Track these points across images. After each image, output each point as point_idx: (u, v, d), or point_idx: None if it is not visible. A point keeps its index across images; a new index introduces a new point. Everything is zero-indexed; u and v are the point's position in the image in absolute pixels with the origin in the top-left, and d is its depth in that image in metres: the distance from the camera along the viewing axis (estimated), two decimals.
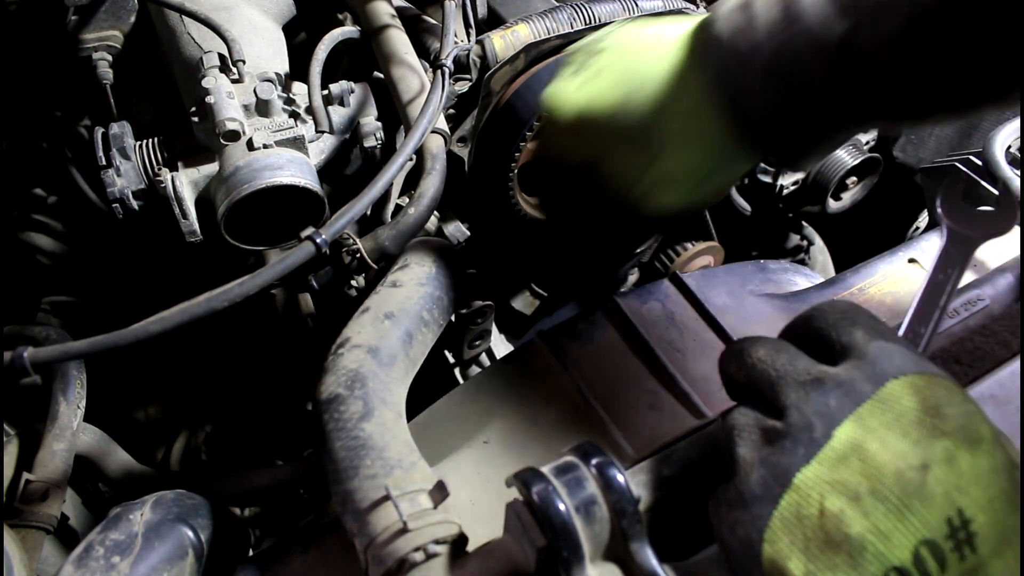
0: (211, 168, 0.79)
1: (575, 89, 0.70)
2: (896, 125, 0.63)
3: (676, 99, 0.64)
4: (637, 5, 0.93)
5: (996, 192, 0.71)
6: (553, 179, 0.87)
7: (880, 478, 0.43)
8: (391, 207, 0.89)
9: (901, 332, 0.63)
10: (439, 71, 0.79)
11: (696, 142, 0.64)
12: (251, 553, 0.76)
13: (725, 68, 0.61)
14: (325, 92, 0.84)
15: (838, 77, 0.57)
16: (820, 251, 1.38)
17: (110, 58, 0.98)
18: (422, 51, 0.93)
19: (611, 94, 0.67)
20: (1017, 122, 0.91)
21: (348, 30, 0.90)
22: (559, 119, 0.71)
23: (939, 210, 0.69)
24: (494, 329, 1.16)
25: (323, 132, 0.83)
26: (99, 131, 0.79)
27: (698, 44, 0.64)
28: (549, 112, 0.72)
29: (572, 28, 0.90)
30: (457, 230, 0.97)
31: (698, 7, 1.03)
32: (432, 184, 0.77)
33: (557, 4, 0.94)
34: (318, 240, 0.66)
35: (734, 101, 0.61)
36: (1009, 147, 0.91)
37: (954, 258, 0.65)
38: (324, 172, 0.86)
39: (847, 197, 1.23)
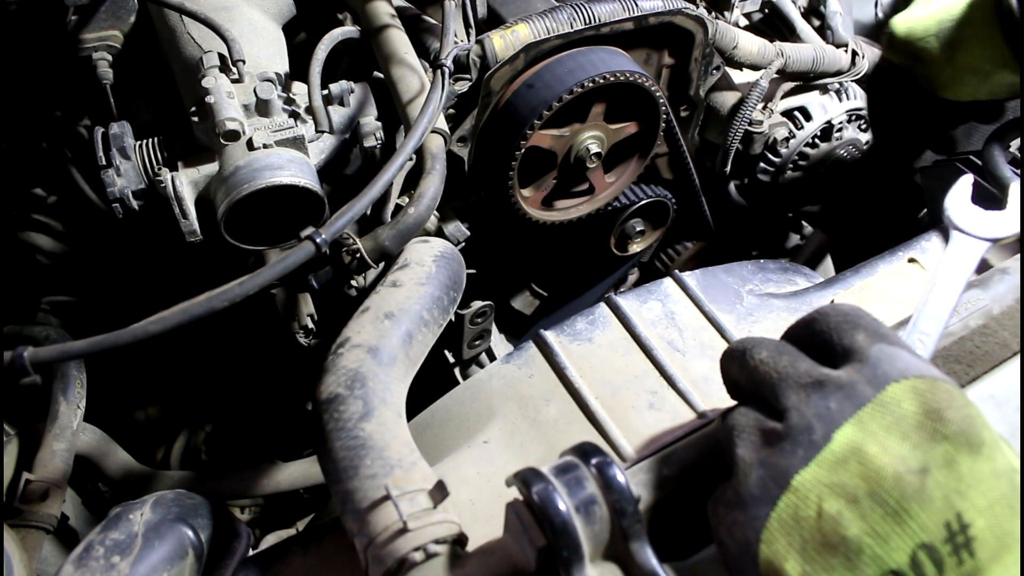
0: (211, 168, 0.79)
1: (907, 15, 0.96)
2: None
3: (970, 16, 0.90)
4: (637, 5, 0.93)
5: (999, 194, 0.71)
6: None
7: (879, 481, 0.43)
8: (391, 207, 0.89)
9: (907, 335, 0.63)
10: (439, 71, 0.79)
11: (980, 45, 0.89)
12: (251, 553, 0.76)
13: None
14: (325, 92, 0.84)
15: None
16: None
17: (110, 58, 0.98)
18: (422, 51, 0.93)
19: (930, 17, 0.93)
20: (1016, 122, 0.91)
21: (348, 30, 0.90)
22: (894, 35, 0.96)
23: (946, 212, 0.69)
24: (494, 329, 1.16)
25: (323, 132, 0.83)
26: (99, 131, 0.79)
27: None
28: (890, 32, 0.97)
29: (572, 28, 0.90)
30: (457, 230, 0.97)
31: (698, 6, 1.04)
32: (432, 184, 0.77)
33: (557, 4, 0.94)
34: (318, 240, 0.66)
35: (1003, 15, 0.83)
36: (1009, 147, 0.91)
37: (960, 261, 0.65)
38: (324, 172, 0.86)
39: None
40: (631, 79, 0.92)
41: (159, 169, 0.78)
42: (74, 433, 0.79)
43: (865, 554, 0.42)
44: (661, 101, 0.98)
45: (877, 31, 1.55)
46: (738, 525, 0.46)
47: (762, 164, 1.22)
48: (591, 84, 0.89)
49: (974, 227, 0.67)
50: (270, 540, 1.10)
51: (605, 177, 1.03)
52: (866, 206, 1.26)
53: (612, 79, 0.90)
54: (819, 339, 0.51)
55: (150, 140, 0.81)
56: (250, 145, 0.77)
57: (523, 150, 0.91)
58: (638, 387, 0.74)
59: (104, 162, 0.77)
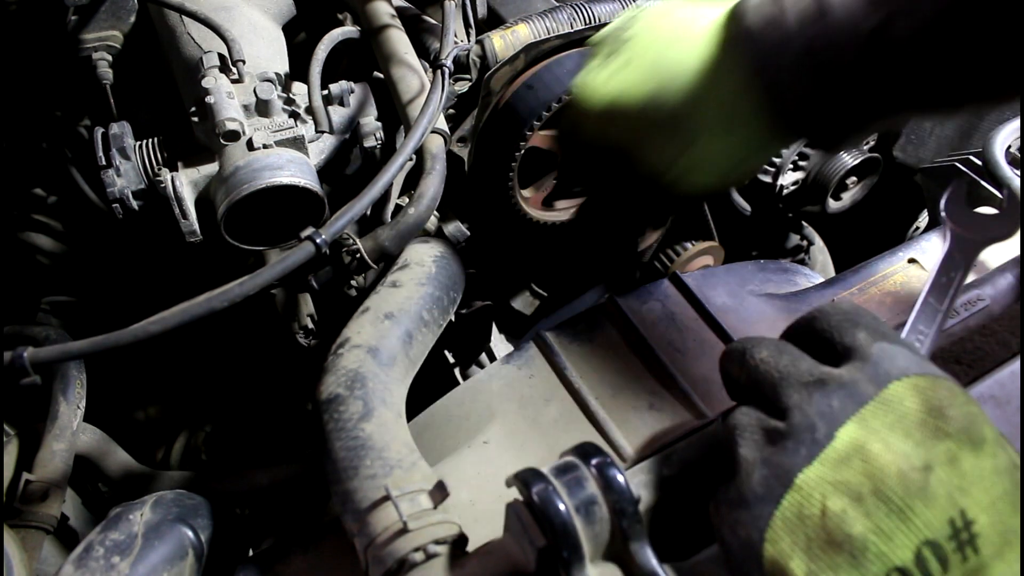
0: (211, 168, 0.79)
1: (605, 79, 0.71)
2: (930, 114, 0.66)
3: (710, 90, 0.66)
4: (637, 5, 0.93)
5: (999, 194, 0.71)
6: (575, 161, 0.89)
7: (882, 479, 0.43)
8: (391, 207, 0.89)
9: (904, 334, 0.63)
10: (439, 71, 0.79)
11: (732, 130, 0.66)
12: (251, 553, 0.76)
13: (760, 58, 0.62)
14: (325, 92, 0.84)
15: (871, 66, 0.59)
16: (820, 251, 1.38)
17: (110, 58, 0.98)
18: (422, 51, 0.93)
19: (642, 85, 0.68)
20: (1017, 122, 0.91)
21: (348, 30, 0.90)
22: (589, 107, 0.72)
23: (943, 213, 0.69)
24: (494, 329, 1.16)
25: (323, 132, 0.83)
26: (99, 131, 0.79)
27: (731, 36, 0.65)
28: (579, 100, 0.74)
29: (572, 28, 0.90)
30: (457, 230, 0.97)
31: None
32: (432, 184, 0.77)
33: (557, 4, 0.94)
34: (318, 240, 0.66)
35: (770, 90, 0.63)
36: (1009, 147, 0.91)
37: (957, 261, 0.65)
38: (324, 172, 0.86)
39: (847, 197, 1.23)
40: None
41: (159, 169, 0.78)
42: (74, 433, 0.79)
43: (870, 552, 0.42)
44: None
45: None
46: (741, 524, 0.46)
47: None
48: None
49: (970, 226, 0.68)
50: (270, 540, 1.10)
51: None
52: (866, 206, 1.26)
53: None
54: (820, 338, 0.51)
55: (150, 140, 0.81)
56: (250, 145, 0.77)
57: (523, 151, 0.91)
58: (638, 387, 0.74)
59: (104, 162, 0.77)
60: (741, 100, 0.64)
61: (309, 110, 0.83)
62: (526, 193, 0.99)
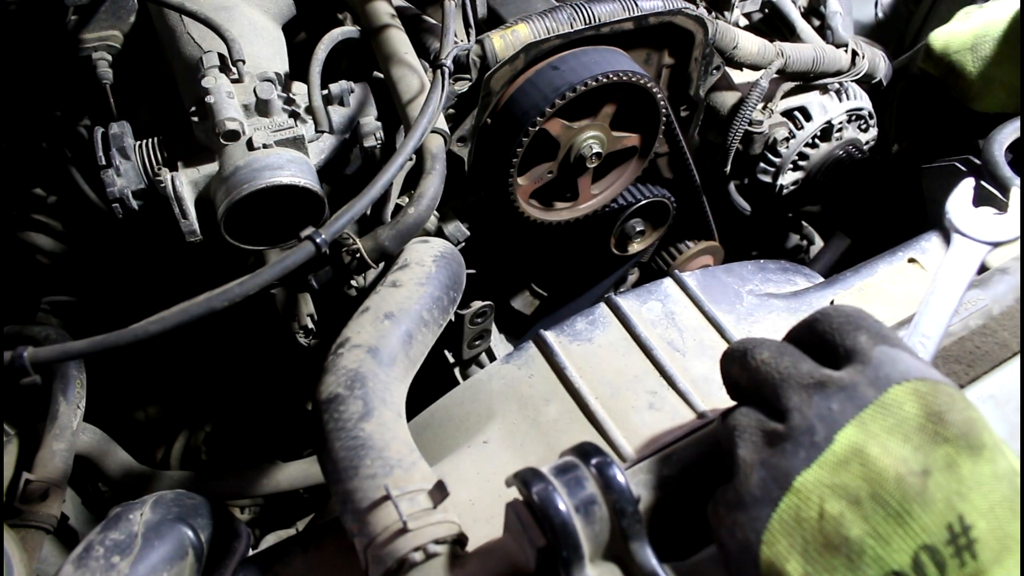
0: (211, 168, 0.79)
1: (949, 28, 1.06)
2: None
3: (1007, 32, 0.99)
4: (637, 5, 0.93)
5: (999, 195, 0.70)
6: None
7: (881, 483, 0.43)
8: (391, 207, 0.89)
9: (907, 337, 0.63)
10: (439, 71, 0.79)
11: (1012, 60, 0.98)
12: (251, 553, 0.76)
13: None
14: (325, 92, 0.84)
15: None
16: None
17: (110, 58, 0.98)
18: (422, 51, 0.93)
19: (969, 32, 1.03)
20: (1017, 122, 0.91)
21: (348, 30, 0.90)
22: (936, 48, 1.05)
23: (947, 215, 0.68)
24: (494, 329, 1.16)
25: (323, 132, 0.83)
26: (99, 131, 0.79)
27: None
28: (929, 44, 1.06)
29: (572, 28, 0.90)
30: (457, 230, 0.97)
31: (698, 6, 1.04)
32: (432, 184, 0.77)
33: (557, 4, 0.94)
34: (318, 240, 0.66)
35: None
36: (1009, 147, 0.91)
37: (961, 264, 0.65)
38: (324, 172, 0.86)
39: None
40: (649, 86, 0.93)
41: (159, 169, 0.78)
42: (74, 433, 0.79)
43: (867, 555, 0.42)
44: (664, 112, 0.99)
45: (877, 31, 1.55)
46: (739, 526, 0.46)
47: (762, 164, 1.22)
48: (615, 78, 0.89)
49: (975, 230, 0.67)
50: (270, 540, 1.10)
51: (591, 187, 1.03)
52: (866, 206, 1.26)
53: (635, 79, 0.91)
54: (821, 340, 0.51)
55: (150, 140, 0.81)
56: (250, 145, 0.77)
57: (537, 127, 0.90)
58: (638, 387, 0.74)
59: (104, 162, 0.77)
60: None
61: (309, 110, 0.83)
62: (521, 181, 0.98)
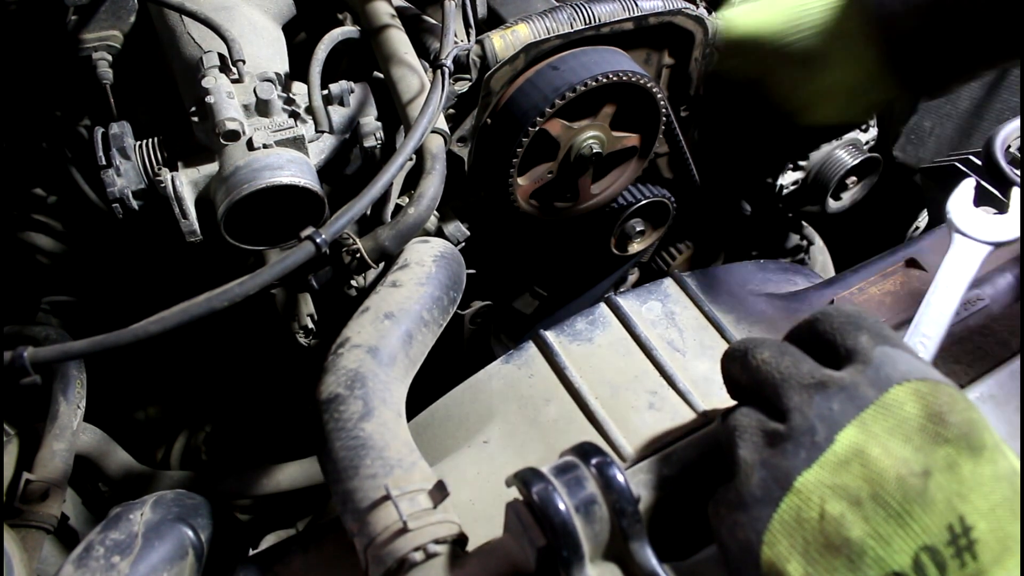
0: (211, 168, 0.79)
1: (747, 12, 0.81)
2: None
3: (836, 24, 0.74)
4: (637, 5, 0.93)
5: (1000, 195, 0.70)
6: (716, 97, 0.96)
7: (881, 483, 0.43)
8: (391, 207, 0.89)
9: (907, 337, 0.63)
10: (439, 71, 0.79)
11: (850, 62, 0.74)
12: (251, 553, 0.76)
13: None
14: (325, 92, 0.84)
15: (983, 4, 0.64)
16: (820, 251, 1.38)
17: (110, 58, 0.98)
18: (422, 51, 0.93)
19: (780, 18, 0.78)
20: (1017, 122, 0.91)
21: (348, 30, 0.90)
22: (731, 39, 0.81)
23: (948, 216, 0.68)
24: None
25: (323, 132, 0.83)
26: (99, 131, 0.79)
27: None
28: (724, 33, 0.82)
29: (572, 28, 0.90)
30: (457, 230, 0.97)
31: (698, 6, 1.04)
32: (432, 184, 0.77)
33: (557, 4, 0.94)
34: (318, 240, 0.66)
35: (883, 26, 0.69)
36: (1009, 147, 0.91)
37: (962, 264, 0.65)
38: (324, 172, 0.86)
39: (847, 197, 1.23)
40: (649, 86, 0.93)
41: (159, 169, 0.78)
42: (74, 433, 0.79)
43: (868, 556, 0.42)
44: (664, 112, 0.98)
45: None
46: (740, 526, 0.46)
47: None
48: (615, 78, 0.89)
49: (975, 230, 0.67)
50: (270, 540, 1.10)
51: (591, 187, 1.03)
52: (866, 206, 1.26)
53: (635, 79, 0.91)
54: (822, 340, 0.51)
55: (150, 140, 0.81)
56: (250, 145, 0.77)
57: (537, 127, 0.90)
58: (638, 387, 0.74)
59: (104, 162, 0.77)
60: (859, 34, 0.71)
61: (309, 110, 0.83)
62: (521, 181, 0.98)
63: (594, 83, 0.88)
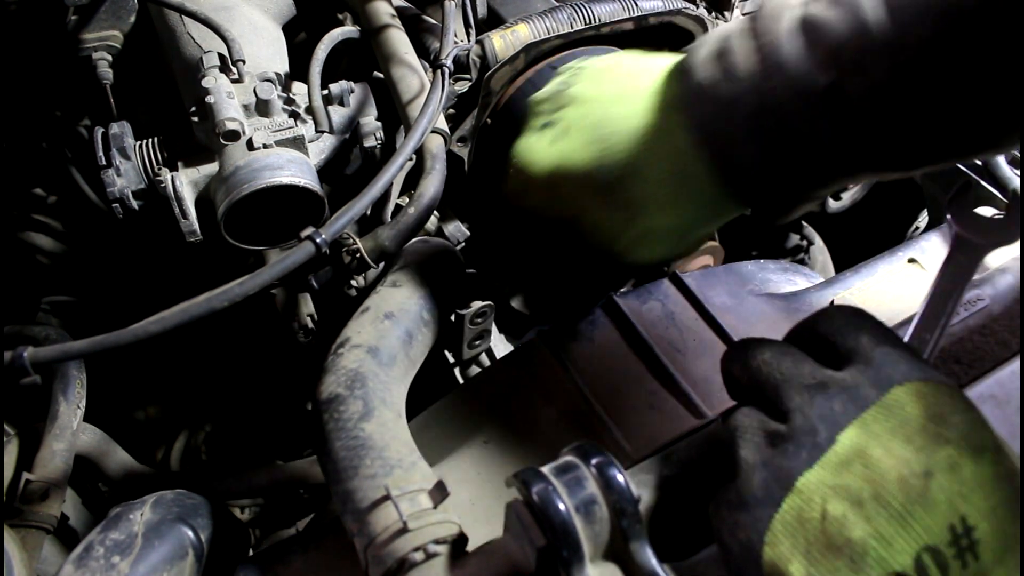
0: (211, 168, 0.79)
1: (546, 146, 0.68)
2: (885, 174, 0.63)
3: (656, 155, 0.63)
4: (637, 5, 0.93)
5: (1000, 195, 0.70)
6: (521, 232, 0.84)
7: (883, 484, 0.43)
8: (391, 207, 0.89)
9: (907, 338, 0.63)
10: (439, 71, 0.79)
11: (680, 198, 0.63)
12: (251, 553, 0.76)
13: (708, 119, 0.59)
14: (325, 92, 0.84)
15: (825, 127, 0.56)
16: (820, 251, 1.38)
17: (110, 58, 0.98)
18: (422, 51, 0.93)
19: (585, 151, 0.65)
20: None
21: (348, 30, 0.90)
22: (532, 174, 0.69)
23: (948, 216, 0.68)
24: (494, 329, 1.16)
25: (323, 132, 0.83)
26: (99, 131, 0.79)
27: (676, 96, 0.62)
28: (521, 168, 0.70)
29: (572, 28, 0.90)
30: (457, 230, 0.97)
31: (698, 6, 1.04)
32: (432, 184, 0.77)
33: (557, 4, 0.94)
34: (318, 240, 0.66)
35: (720, 152, 0.60)
36: None
37: (961, 265, 0.65)
38: (324, 172, 0.86)
39: (847, 197, 1.23)
40: None
41: (159, 169, 0.78)
42: (74, 433, 0.79)
43: (870, 556, 0.42)
44: None
45: None
46: (741, 527, 0.46)
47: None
48: None
49: (975, 231, 0.67)
50: (270, 540, 1.10)
51: None
52: (866, 206, 1.26)
53: None
54: (822, 340, 0.51)
55: (150, 140, 0.81)
56: (250, 145, 0.77)
57: None
58: (638, 387, 0.74)
59: (104, 162, 0.77)
60: (687, 165, 0.61)
61: (309, 110, 0.83)
62: None
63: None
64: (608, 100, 0.66)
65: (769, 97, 0.57)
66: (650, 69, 0.66)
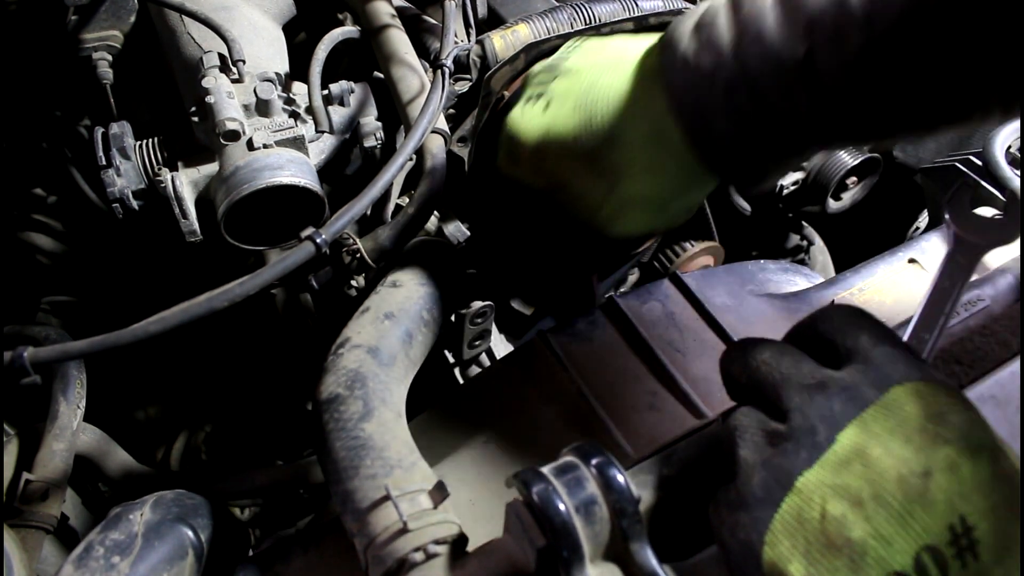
0: (211, 168, 0.79)
1: (537, 115, 0.70)
2: (857, 144, 0.64)
3: (636, 122, 0.64)
4: (637, 5, 0.93)
5: (1000, 195, 0.70)
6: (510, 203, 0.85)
7: (883, 483, 0.43)
8: (391, 207, 0.89)
9: (905, 338, 0.63)
10: (439, 71, 0.79)
11: (657, 166, 0.64)
12: (251, 553, 0.76)
13: (686, 89, 0.60)
14: (325, 92, 0.84)
15: (799, 98, 0.57)
16: (820, 251, 1.38)
17: (110, 58, 0.98)
18: (422, 51, 0.93)
19: (571, 119, 0.67)
20: (1017, 122, 0.91)
21: (348, 30, 0.90)
22: (521, 142, 0.71)
23: (946, 216, 0.68)
24: (494, 329, 1.16)
25: (323, 132, 0.83)
26: (99, 131, 0.79)
27: (657, 65, 0.63)
28: (511, 137, 0.72)
29: (572, 28, 0.90)
30: (457, 230, 0.97)
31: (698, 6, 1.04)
32: (432, 184, 0.77)
33: (557, 4, 0.94)
34: (318, 240, 0.66)
35: (695, 122, 0.61)
36: (1009, 147, 0.91)
37: (960, 264, 0.65)
38: (324, 172, 0.86)
39: (847, 197, 1.23)
40: None
41: (159, 169, 0.78)
42: (74, 433, 0.79)
43: (870, 556, 0.42)
44: None
45: None
46: (741, 527, 0.46)
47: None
48: None
49: (975, 230, 0.67)
50: (270, 540, 1.10)
51: None
52: (866, 206, 1.26)
53: None
54: (822, 340, 0.51)
55: (150, 140, 0.81)
56: (250, 145, 0.77)
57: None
58: (638, 387, 0.74)
59: (104, 162, 0.77)
60: (664, 132, 0.62)
61: (309, 110, 0.83)
62: None
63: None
64: (597, 70, 0.68)
65: (746, 68, 0.57)
66: (640, 44, 0.68)
